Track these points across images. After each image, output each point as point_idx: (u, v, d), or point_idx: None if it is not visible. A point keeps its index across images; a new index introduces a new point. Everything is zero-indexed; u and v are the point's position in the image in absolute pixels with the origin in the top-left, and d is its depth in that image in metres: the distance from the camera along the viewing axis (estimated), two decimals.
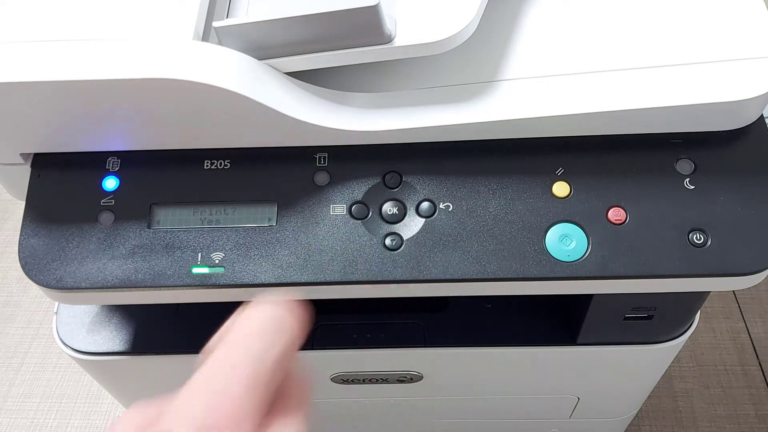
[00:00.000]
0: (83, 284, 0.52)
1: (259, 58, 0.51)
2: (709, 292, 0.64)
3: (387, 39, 0.50)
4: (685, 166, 0.54)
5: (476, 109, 0.54)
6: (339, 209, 0.54)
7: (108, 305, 0.72)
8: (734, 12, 0.56)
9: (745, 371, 1.15)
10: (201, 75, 0.48)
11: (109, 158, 0.55)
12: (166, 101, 0.50)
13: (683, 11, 0.57)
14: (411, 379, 0.74)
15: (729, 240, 0.52)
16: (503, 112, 0.53)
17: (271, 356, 0.33)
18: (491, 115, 0.53)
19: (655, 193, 0.53)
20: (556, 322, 0.70)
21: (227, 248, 0.53)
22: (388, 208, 0.54)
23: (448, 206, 0.54)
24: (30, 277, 0.53)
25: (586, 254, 0.52)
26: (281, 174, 0.55)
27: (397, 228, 0.54)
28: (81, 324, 0.71)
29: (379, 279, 0.52)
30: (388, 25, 0.50)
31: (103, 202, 0.54)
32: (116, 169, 0.55)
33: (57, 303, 0.71)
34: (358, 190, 0.55)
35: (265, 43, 0.51)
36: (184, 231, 0.54)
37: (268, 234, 0.54)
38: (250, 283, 0.52)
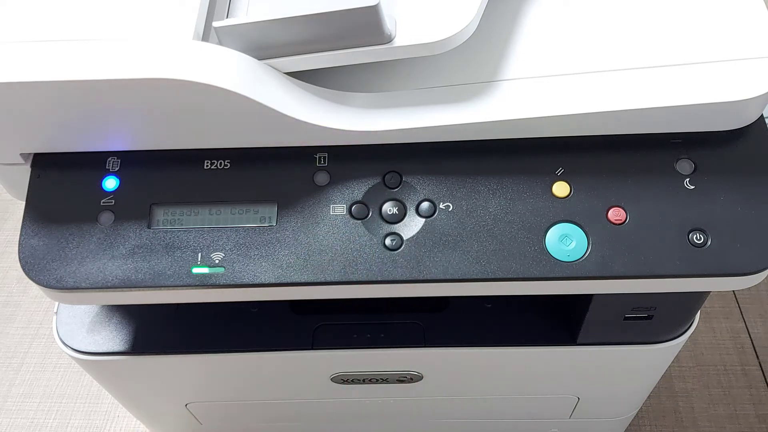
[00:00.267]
0: (83, 284, 0.52)
1: (259, 58, 0.51)
2: (709, 292, 0.64)
3: (387, 39, 0.50)
4: (685, 166, 0.54)
5: (476, 109, 0.54)
6: (339, 209, 0.54)
7: (108, 305, 0.72)
8: (734, 12, 0.56)
9: (745, 371, 1.15)
10: (201, 75, 0.48)
11: (109, 158, 0.55)
12: (166, 101, 0.50)
13: (683, 11, 0.57)
14: (411, 379, 0.74)
15: (729, 240, 0.52)
16: (503, 112, 0.53)
17: None
18: (491, 115, 0.53)
19: (655, 193, 0.53)
20: (556, 322, 0.70)
21: (227, 248, 0.53)
22: (388, 208, 0.54)
23: (448, 206, 0.54)
24: (30, 277, 0.53)
25: (586, 254, 0.52)
26: (281, 174, 0.55)
27: (397, 228, 0.54)
28: (81, 324, 0.71)
29: (379, 279, 0.52)
30: (388, 25, 0.50)
31: (103, 202, 0.54)
32: (116, 169, 0.55)
33: (57, 303, 0.71)
34: (358, 190, 0.55)
35: (265, 43, 0.51)
36: (184, 231, 0.54)
37: (268, 234, 0.54)
38: (250, 283, 0.52)
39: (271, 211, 0.54)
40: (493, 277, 0.52)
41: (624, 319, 0.65)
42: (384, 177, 0.55)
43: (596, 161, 0.55)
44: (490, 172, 0.55)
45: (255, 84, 0.50)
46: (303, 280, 0.52)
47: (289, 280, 0.52)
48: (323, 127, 0.53)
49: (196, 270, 0.53)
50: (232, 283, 0.53)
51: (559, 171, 0.54)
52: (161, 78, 0.48)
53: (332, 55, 0.51)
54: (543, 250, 0.52)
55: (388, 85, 0.56)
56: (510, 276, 0.52)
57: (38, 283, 0.53)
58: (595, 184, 0.54)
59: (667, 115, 0.53)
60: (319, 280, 0.52)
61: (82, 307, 0.72)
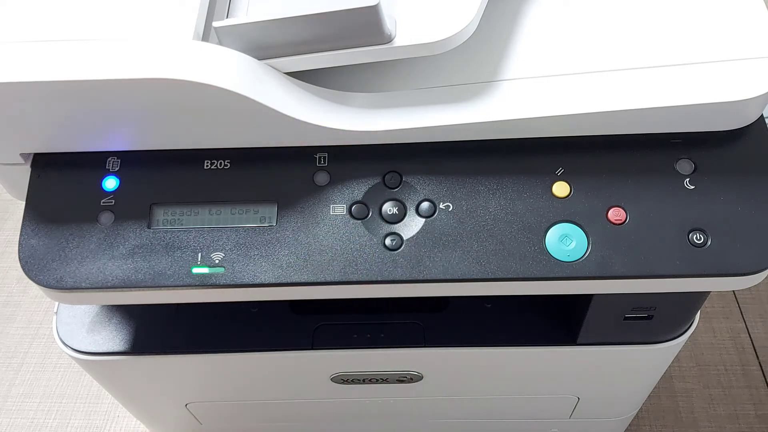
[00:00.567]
0: (83, 284, 0.52)
1: (259, 58, 0.51)
2: (709, 292, 0.64)
3: (387, 39, 0.50)
4: (685, 166, 0.54)
5: (476, 109, 0.54)
6: (339, 209, 0.54)
7: (108, 305, 0.72)
8: (734, 12, 0.56)
9: (745, 371, 1.15)
10: (201, 75, 0.48)
11: (109, 158, 0.55)
12: (166, 101, 0.50)
13: (683, 11, 0.57)
14: (411, 379, 0.74)
15: (729, 240, 0.52)
16: (503, 112, 0.53)
17: None
18: (491, 115, 0.53)
19: (655, 193, 0.53)
20: (556, 322, 0.70)
21: (227, 248, 0.53)
22: (388, 208, 0.54)
23: (448, 206, 0.54)
24: (30, 277, 0.53)
25: (586, 254, 0.52)
26: (281, 174, 0.55)
27: (397, 228, 0.54)
28: (81, 324, 0.71)
29: (379, 279, 0.52)
30: (388, 25, 0.50)
31: (103, 202, 0.54)
32: (116, 169, 0.55)
33: (57, 303, 0.71)
34: (358, 190, 0.55)
35: (265, 43, 0.51)
36: (184, 231, 0.54)
37: (268, 234, 0.54)
38: (250, 283, 0.52)
39: (271, 211, 0.54)
40: (493, 277, 0.52)
41: (624, 319, 0.65)
42: (384, 177, 0.55)
43: (596, 161, 0.55)
44: (490, 172, 0.55)
45: (255, 84, 0.50)
46: (303, 280, 0.52)
47: (289, 280, 0.52)
48: (323, 127, 0.53)
49: (196, 270, 0.53)
50: (232, 283, 0.53)
51: (559, 171, 0.54)
52: (161, 78, 0.48)
53: (332, 55, 0.51)
54: (543, 250, 0.52)
55: (388, 85, 0.56)
56: (510, 276, 0.52)
57: (38, 283, 0.53)
58: (595, 184, 0.54)
59: (667, 115, 0.53)
60: (319, 280, 0.52)
61: (82, 307, 0.72)
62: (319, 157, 0.55)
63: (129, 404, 0.87)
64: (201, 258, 0.53)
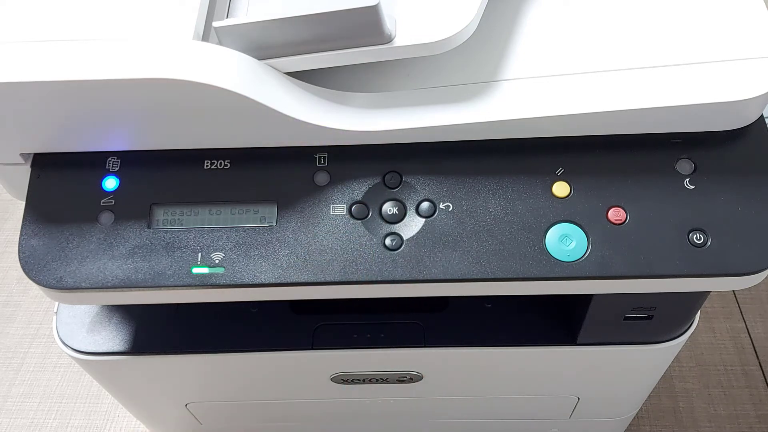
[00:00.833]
0: (83, 284, 0.52)
1: (259, 58, 0.51)
2: (709, 292, 0.64)
3: (387, 39, 0.50)
4: (685, 166, 0.54)
5: (476, 109, 0.54)
6: (339, 209, 0.54)
7: (108, 305, 0.72)
8: (734, 12, 0.56)
9: (745, 371, 1.15)
10: (201, 75, 0.48)
11: (109, 158, 0.55)
12: (166, 101, 0.50)
13: (683, 11, 0.57)
14: (411, 379, 0.74)
15: (729, 240, 0.52)
16: (503, 112, 0.53)
17: None
18: (491, 115, 0.53)
19: (655, 193, 0.53)
20: (556, 322, 0.70)
21: (227, 248, 0.53)
22: (388, 208, 0.54)
23: (448, 206, 0.54)
24: (30, 277, 0.53)
25: (586, 254, 0.52)
26: (281, 174, 0.55)
27: (397, 228, 0.54)
28: (81, 324, 0.71)
29: (379, 279, 0.52)
30: (388, 25, 0.50)
31: (103, 202, 0.54)
32: (116, 169, 0.55)
33: (57, 303, 0.71)
34: (358, 190, 0.55)
35: (265, 43, 0.51)
36: (184, 231, 0.54)
37: (268, 234, 0.54)
38: (250, 283, 0.52)
39: (271, 211, 0.54)
40: (493, 277, 0.52)
41: (624, 319, 0.65)
42: (384, 177, 0.55)
43: (596, 161, 0.55)
44: (490, 172, 0.55)
45: (255, 84, 0.50)
46: (303, 280, 0.52)
47: (289, 280, 0.52)
48: (323, 127, 0.53)
49: (196, 270, 0.53)
50: (232, 283, 0.53)
51: (559, 171, 0.54)
52: (161, 78, 0.48)
53: (332, 55, 0.51)
54: (543, 250, 0.52)
55: (388, 85, 0.56)
56: (510, 276, 0.52)
57: (38, 283, 0.53)
58: (595, 184, 0.54)
59: (667, 115, 0.53)
60: (319, 280, 0.52)
61: (82, 307, 0.72)
62: (319, 157, 0.55)
63: (129, 404, 0.87)
64: (201, 258, 0.53)
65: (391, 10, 0.52)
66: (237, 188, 0.55)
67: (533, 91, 0.54)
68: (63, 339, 0.70)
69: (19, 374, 1.18)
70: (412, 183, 0.55)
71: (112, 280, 0.52)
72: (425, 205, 0.54)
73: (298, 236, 0.53)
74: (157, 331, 0.71)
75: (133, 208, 0.54)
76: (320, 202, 0.54)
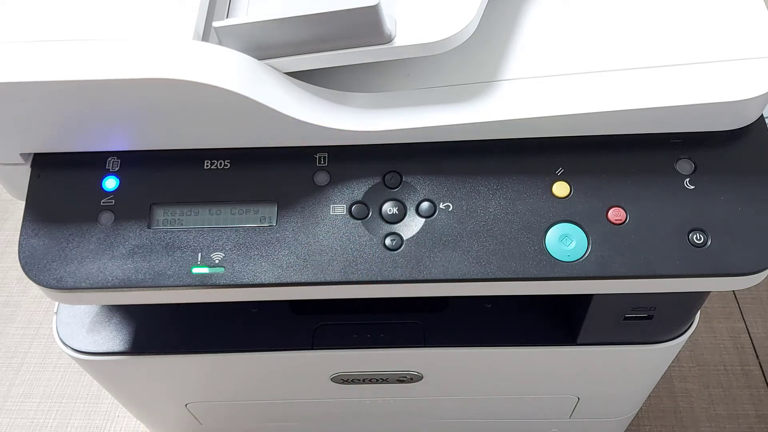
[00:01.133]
0: (83, 284, 0.52)
1: (259, 58, 0.51)
2: (709, 292, 0.64)
3: (387, 39, 0.50)
4: (685, 166, 0.54)
5: (476, 109, 0.54)
6: (339, 209, 0.54)
7: (108, 305, 0.72)
8: (734, 12, 0.56)
9: (745, 371, 1.15)
10: (201, 75, 0.48)
11: (109, 158, 0.55)
12: (166, 101, 0.50)
13: (683, 11, 0.57)
14: (411, 379, 0.74)
15: (729, 240, 0.52)
16: (503, 112, 0.53)
17: None
18: (491, 115, 0.53)
19: (655, 193, 0.53)
20: (556, 322, 0.70)
21: (227, 248, 0.53)
22: (388, 208, 0.54)
23: (448, 206, 0.54)
24: (30, 277, 0.53)
25: (586, 254, 0.52)
26: (281, 174, 0.55)
27: (397, 228, 0.54)
28: (81, 324, 0.71)
29: (379, 279, 0.52)
30: (388, 25, 0.50)
31: (103, 202, 0.54)
32: (116, 169, 0.55)
33: (57, 303, 0.71)
34: (358, 190, 0.55)
35: (265, 43, 0.51)
36: (184, 231, 0.54)
37: (268, 234, 0.54)
38: (250, 283, 0.52)
39: (271, 211, 0.54)
40: (493, 277, 0.52)
41: (624, 319, 0.65)
42: (384, 177, 0.55)
43: (596, 161, 0.55)
44: (490, 172, 0.55)
45: (255, 84, 0.50)
46: (303, 280, 0.52)
47: (289, 280, 0.52)
48: (323, 127, 0.53)
49: (196, 270, 0.53)
50: (232, 283, 0.53)
51: (559, 171, 0.54)
52: (161, 78, 0.48)
53: (332, 55, 0.51)
54: (543, 250, 0.52)
55: (388, 85, 0.56)
56: (510, 276, 0.52)
57: (38, 283, 0.53)
58: (595, 184, 0.54)
59: (667, 115, 0.53)
60: (319, 280, 0.52)
61: (82, 307, 0.72)
62: (319, 157, 0.55)
63: (129, 404, 0.87)
64: (201, 258, 0.53)
65: (391, 10, 0.52)
66: (237, 188, 0.55)
67: (533, 91, 0.54)
68: (63, 339, 0.70)
69: (19, 374, 1.18)
70: (412, 183, 0.55)
71: (112, 280, 0.52)
72: (425, 205, 0.54)
73: (298, 236, 0.53)
74: (157, 331, 0.71)
75: (133, 208, 0.54)
76: (320, 202, 0.54)
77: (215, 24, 0.50)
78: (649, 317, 0.65)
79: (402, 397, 0.81)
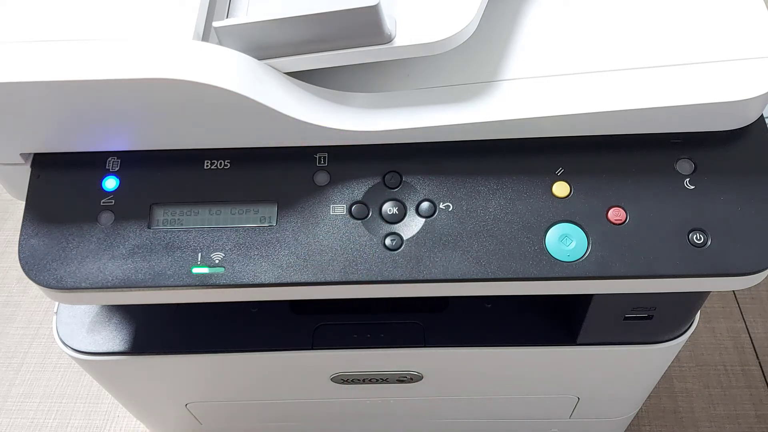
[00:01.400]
0: (83, 284, 0.52)
1: (259, 58, 0.51)
2: (709, 292, 0.64)
3: (387, 39, 0.50)
4: (685, 166, 0.54)
5: (476, 109, 0.54)
6: (339, 209, 0.54)
7: (108, 305, 0.72)
8: (734, 12, 0.56)
9: (745, 371, 1.15)
10: (201, 75, 0.48)
11: (109, 158, 0.55)
12: (167, 101, 0.50)
13: (683, 11, 0.57)
14: (411, 379, 0.74)
15: (729, 240, 0.52)
16: (503, 112, 0.53)
17: None
18: (491, 115, 0.53)
19: (655, 193, 0.53)
20: (556, 322, 0.70)
21: (227, 248, 0.53)
22: (388, 208, 0.54)
23: (448, 206, 0.54)
24: (30, 277, 0.53)
25: (586, 254, 0.52)
26: (281, 174, 0.55)
27: (397, 228, 0.54)
28: (81, 324, 0.71)
29: (379, 279, 0.52)
30: (388, 25, 0.50)
31: (103, 202, 0.54)
32: (116, 169, 0.55)
33: (57, 303, 0.71)
34: (358, 190, 0.55)
35: (265, 43, 0.51)
36: (184, 231, 0.54)
37: (268, 234, 0.54)
38: (250, 283, 0.52)
39: (271, 211, 0.54)
40: (493, 277, 0.52)
41: (624, 319, 0.65)
42: (384, 177, 0.55)
43: (596, 161, 0.55)
44: (490, 172, 0.55)
45: (255, 84, 0.50)
46: (303, 280, 0.52)
47: (289, 280, 0.52)
48: (323, 127, 0.53)
49: (196, 270, 0.53)
50: (232, 283, 0.53)
51: (559, 171, 0.54)
52: (161, 78, 0.48)
53: (332, 55, 0.51)
54: (543, 250, 0.52)
55: (388, 85, 0.56)
56: (510, 276, 0.52)
57: (38, 283, 0.53)
58: (595, 184, 0.54)
59: (667, 115, 0.53)
60: (319, 280, 0.52)
61: (82, 307, 0.72)
62: (319, 157, 0.55)
63: (129, 404, 0.87)
64: (201, 258, 0.53)
65: (391, 10, 0.52)
66: (237, 188, 0.55)
67: (533, 91, 0.54)
68: (63, 339, 0.70)
69: (19, 374, 1.18)
70: (412, 183, 0.55)
71: (112, 280, 0.52)
72: (425, 205, 0.54)
73: (298, 236, 0.53)
74: (157, 331, 0.71)
75: (133, 208, 0.54)
76: (320, 202, 0.54)
77: (215, 24, 0.50)
78: (649, 317, 0.65)
79: (402, 397, 0.81)
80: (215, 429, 0.92)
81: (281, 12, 0.49)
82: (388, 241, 0.53)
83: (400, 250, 0.53)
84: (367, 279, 0.52)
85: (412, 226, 0.54)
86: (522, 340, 0.69)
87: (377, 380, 0.75)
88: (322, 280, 0.52)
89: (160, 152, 0.55)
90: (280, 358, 0.71)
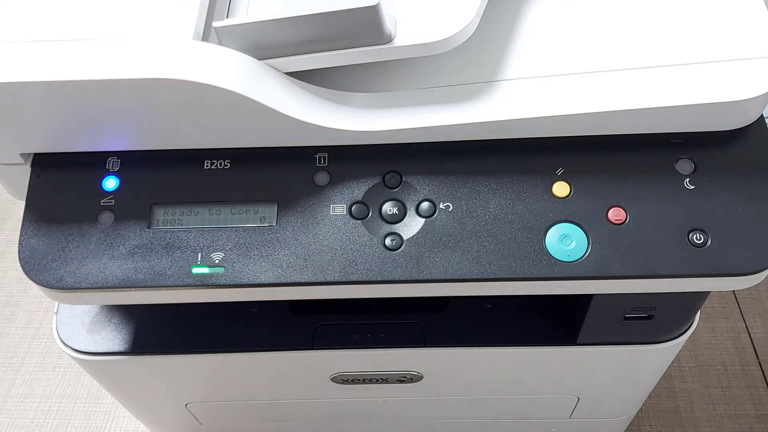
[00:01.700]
0: (83, 284, 0.52)
1: (259, 58, 0.51)
2: (709, 292, 0.64)
3: (387, 39, 0.50)
4: (685, 166, 0.54)
5: (476, 109, 0.54)
6: (339, 209, 0.54)
7: (108, 305, 0.72)
8: (734, 12, 0.56)
9: (745, 371, 1.15)
10: (201, 75, 0.48)
11: (109, 158, 0.55)
12: (167, 101, 0.50)
13: (683, 11, 0.57)
14: (411, 379, 0.74)
15: (729, 240, 0.52)
16: (503, 112, 0.53)
17: None
18: (491, 115, 0.53)
19: (655, 193, 0.53)
20: (556, 322, 0.70)
21: (227, 248, 0.53)
22: (388, 208, 0.54)
23: (448, 206, 0.54)
24: (30, 277, 0.53)
25: (586, 254, 0.52)
26: (281, 174, 0.55)
27: (397, 228, 0.54)
28: (81, 324, 0.71)
29: (379, 279, 0.52)
30: (388, 25, 0.50)
31: (103, 202, 0.54)
32: (116, 169, 0.55)
33: (57, 303, 0.71)
34: (358, 190, 0.55)
35: (265, 43, 0.51)
36: (184, 231, 0.54)
37: (268, 234, 0.54)
38: (250, 283, 0.52)
39: (271, 211, 0.54)
40: (493, 277, 0.52)
41: (624, 319, 0.65)
42: (384, 177, 0.55)
43: (596, 161, 0.55)
44: (490, 172, 0.55)
45: (255, 84, 0.50)
46: (303, 280, 0.52)
47: (289, 280, 0.52)
48: (323, 127, 0.53)
49: (196, 270, 0.53)
50: (232, 283, 0.53)
51: (559, 171, 0.54)
52: (161, 78, 0.48)
53: (332, 55, 0.51)
54: (543, 250, 0.52)
55: (388, 85, 0.56)
56: (510, 276, 0.52)
57: (38, 283, 0.53)
58: (595, 184, 0.54)
59: (667, 115, 0.53)
60: (319, 280, 0.52)
61: (82, 307, 0.72)
62: (319, 157, 0.55)
63: (129, 404, 0.87)
64: (201, 258, 0.53)
65: (391, 10, 0.52)
66: (237, 188, 0.55)
67: (533, 91, 0.54)
68: (63, 339, 0.70)
69: (19, 374, 1.18)
70: (412, 183, 0.55)
71: (112, 280, 0.52)
72: (425, 205, 0.54)
73: (298, 236, 0.53)
74: (157, 331, 0.71)
75: (133, 208, 0.54)
76: (320, 202, 0.54)
77: (215, 24, 0.50)
78: (649, 317, 0.65)
79: (402, 397, 0.81)
80: (215, 429, 0.92)
81: (281, 12, 0.49)
82: (388, 241, 0.53)
83: (400, 250, 0.53)
84: (367, 279, 0.52)
85: (412, 226, 0.54)
86: (522, 340, 0.69)
87: (377, 380, 0.75)
88: (322, 280, 0.52)
89: (160, 152, 0.55)
90: (280, 358, 0.71)
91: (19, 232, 0.54)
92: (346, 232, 0.54)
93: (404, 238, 0.53)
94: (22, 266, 0.53)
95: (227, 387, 0.79)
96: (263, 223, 0.54)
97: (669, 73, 0.54)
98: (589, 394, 0.81)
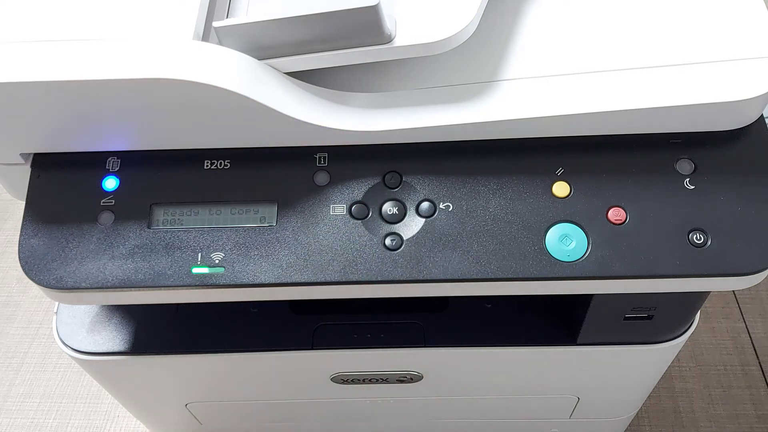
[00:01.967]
0: (83, 284, 0.52)
1: (259, 58, 0.51)
2: (709, 292, 0.64)
3: (387, 39, 0.50)
4: (685, 166, 0.54)
5: (476, 109, 0.54)
6: (339, 209, 0.54)
7: (108, 305, 0.72)
8: (734, 12, 0.56)
9: (745, 371, 1.15)
10: (201, 75, 0.48)
11: (109, 158, 0.55)
12: (167, 101, 0.50)
13: (683, 11, 0.57)
14: (411, 379, 0.74)
15: (729, 240, 0.52)
16: (503, 112, 0.53)
17: None
18: (491, 115, 0.53)
19: (655, 193, 0.53)
20: (556, 322, 0.70)
21: (227, 248, 0.53)
22: (388, 208, 0.54)
23: (448, 206, 0.54)
24: (30, 277, 0.53)
25: (586, 254, 0.52)
26: (281, 174, 0.55)
27: (397, 228, 0.54)
28: (81, 324, 0.71)
29: (379, 279, 0.52)
30: (388, 25, 0.50)
31: (103, 202, 0.54)
32: (116, 169, 0.55)
33: (57, 303, 0.71)
34: (358, 190, 0.55)
35: (265, 43, 0.51)
36: (184, 231, 0.54)
37: (268, 234, 0.54)
38: (250, 283, 0.52)
39: (271, 211, 0.54)
40: (493, 277, 0.52)
41: (624, 319, 0.65)
42: (384, 177, 0.55)
43: (596, 161, 0.55)
44: (490, 172, 0.55)
45: (255, 84, 0.50)
46: (303, 280, 0.52)
47: (289, 280, 0.52)
48: (323, 127, 0.53)
49: (196, 270, 0.53)
50: (232, 283, 0.53)
51: (559, 171, 0.54)
52: (161, 78, 0.48)
53: (332, 55, 0.51)
54: (543, 250, 0.52)
55: (388, 85, 0.56)
56: (510, 276, 0.52)
57: (38, 283, 0.53)
58: (595, 184, 0.54)
59: (667, 115, 0.53)
60: (319, 280, 0.52)
61: (82, 307, 0.72)
62: (319, 157, 0.55)
63: (129, 404, 0.87)
64: (201, 258, 0.53)
65: (391, 10, 0.52)
66: (237, 188, 0.55)
67: (533, 91, 0.54)
68: (63, 339, 0.70)
69: (19, 374, 1.18)
70: (412, 183, 0.55)
71: (112, 280, 0.52)
72: (425, 205, 0.54)
73: (298, 236, 0.53)
74: (157, 331, 0.71)
75: (133, 208, 0.54)
76: (320, 202, 0.54)
77: (215, 24, 0.50)
78: (649, 317, 0.65)
79: (402, 397, 0.81)
80: (215, 429, 0.92)
81: (281, 12, 0.49)
82: (388, 241, 0.53)
83: (400, 250, 0.53)
84: (367, 279, 0.52)
85: (412, 226, 0.54)
86: (522, 340, 0.69)
87: (377, 380, 0.75)
88: (322, 280, 0.52)
89: (160, 152, 0.55)
90: (280, 358, 0.71)
91: (19, 232, 0.54)
92: (346, 232, 0.54)
93: (404, 238, 0.53)
94: (22, 266, 0.53)
95: (227, 387, 0.79)
96: (263, 223, 0.54)
97: (669, 73, 0.54)
98: (589, 394, 0.81)
